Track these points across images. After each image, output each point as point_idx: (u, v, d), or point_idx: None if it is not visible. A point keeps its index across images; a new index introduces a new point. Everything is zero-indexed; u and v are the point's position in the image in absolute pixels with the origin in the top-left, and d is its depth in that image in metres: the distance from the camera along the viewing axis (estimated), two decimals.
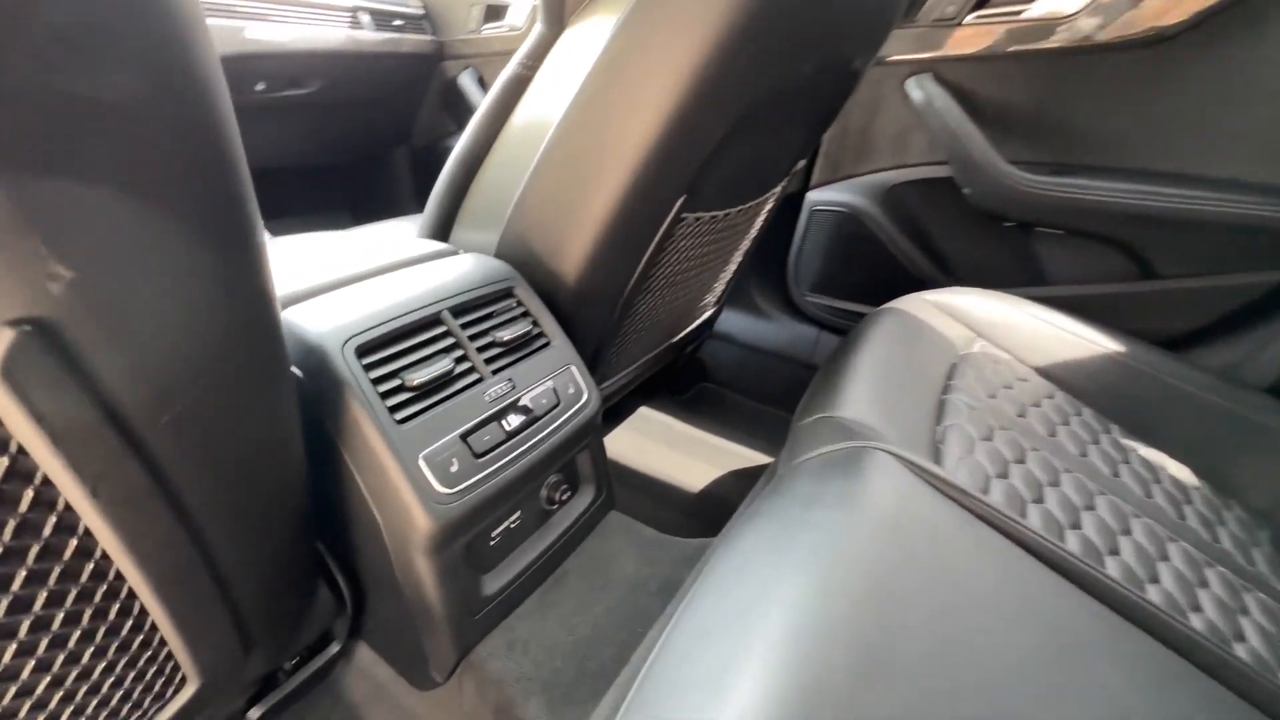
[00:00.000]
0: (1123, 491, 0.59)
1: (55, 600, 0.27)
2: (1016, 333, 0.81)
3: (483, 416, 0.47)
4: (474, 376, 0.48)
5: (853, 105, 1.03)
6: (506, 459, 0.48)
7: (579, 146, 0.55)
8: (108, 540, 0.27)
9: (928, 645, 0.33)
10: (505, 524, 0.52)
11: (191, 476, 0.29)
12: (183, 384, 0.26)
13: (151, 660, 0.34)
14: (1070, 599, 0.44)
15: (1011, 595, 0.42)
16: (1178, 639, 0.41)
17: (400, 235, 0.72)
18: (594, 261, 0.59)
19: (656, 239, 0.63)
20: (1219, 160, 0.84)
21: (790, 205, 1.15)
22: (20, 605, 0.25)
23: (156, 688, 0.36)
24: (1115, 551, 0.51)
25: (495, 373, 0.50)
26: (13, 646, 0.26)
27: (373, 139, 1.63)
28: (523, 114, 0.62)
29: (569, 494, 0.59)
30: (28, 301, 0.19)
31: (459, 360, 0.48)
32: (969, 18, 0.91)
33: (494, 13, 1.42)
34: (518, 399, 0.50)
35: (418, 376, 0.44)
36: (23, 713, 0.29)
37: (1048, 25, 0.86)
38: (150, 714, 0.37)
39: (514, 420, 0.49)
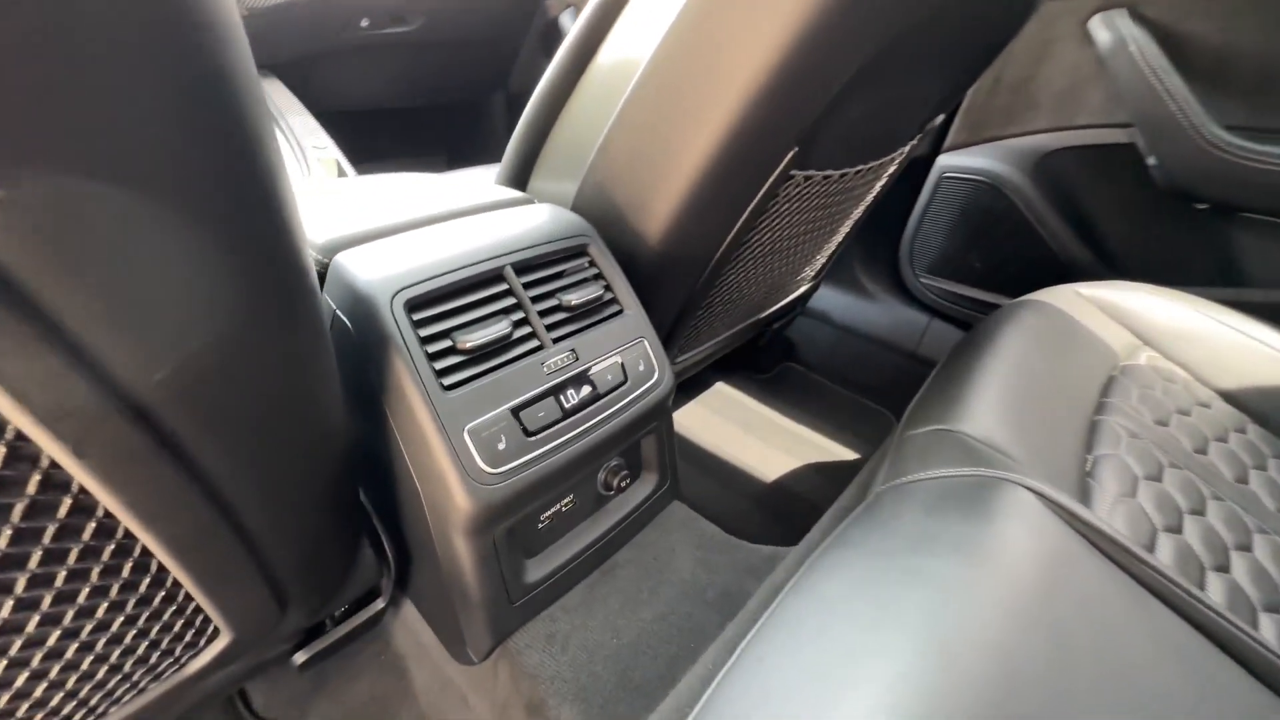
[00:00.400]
0: None
1: (55, 557, 0.25)
2: (1198, 343, 0.65)
3: (539, 390, 0.42)
4: (533, 344, 0.43)
5: (1011, 52, 0.85)
6: (562, 439, 0.43)
7: (673, 85, 0.46)
8: (107, 500, 0.24)
9: None
10: (556, 507, 0.47)
11: (200, 436, 0.25)
12: (171, 339, 0.22)
13: (178, 613, 0.32)
14: (1267, 707, 0.33)
15: (1191, 695, 0.31)
16: None
17: (479, 181, 0.67)
18: (682, 221, 0.51)
19: (758, 198, 0.54)
20: None
21: (915, 170, 0.99)
22: (12, 563, 0.23)
23: (187, 638, 0.35)
24: None
25: (558, 341, 0.44)
26: (8, 602, 0.25)
27: (470, 81, 1.60)
28: (611, 49, 0.54)
29: (629, 480, 0.53)
30: None
31: (518, 324, 0.42)
32: None
33: None
34: (580, 372, 0.45)
35: (471, 339, 0.39)
36: (41, 666, 0.28)
37: None
38: (184, 662, 0.37)
39: (574, 396, 0.44)
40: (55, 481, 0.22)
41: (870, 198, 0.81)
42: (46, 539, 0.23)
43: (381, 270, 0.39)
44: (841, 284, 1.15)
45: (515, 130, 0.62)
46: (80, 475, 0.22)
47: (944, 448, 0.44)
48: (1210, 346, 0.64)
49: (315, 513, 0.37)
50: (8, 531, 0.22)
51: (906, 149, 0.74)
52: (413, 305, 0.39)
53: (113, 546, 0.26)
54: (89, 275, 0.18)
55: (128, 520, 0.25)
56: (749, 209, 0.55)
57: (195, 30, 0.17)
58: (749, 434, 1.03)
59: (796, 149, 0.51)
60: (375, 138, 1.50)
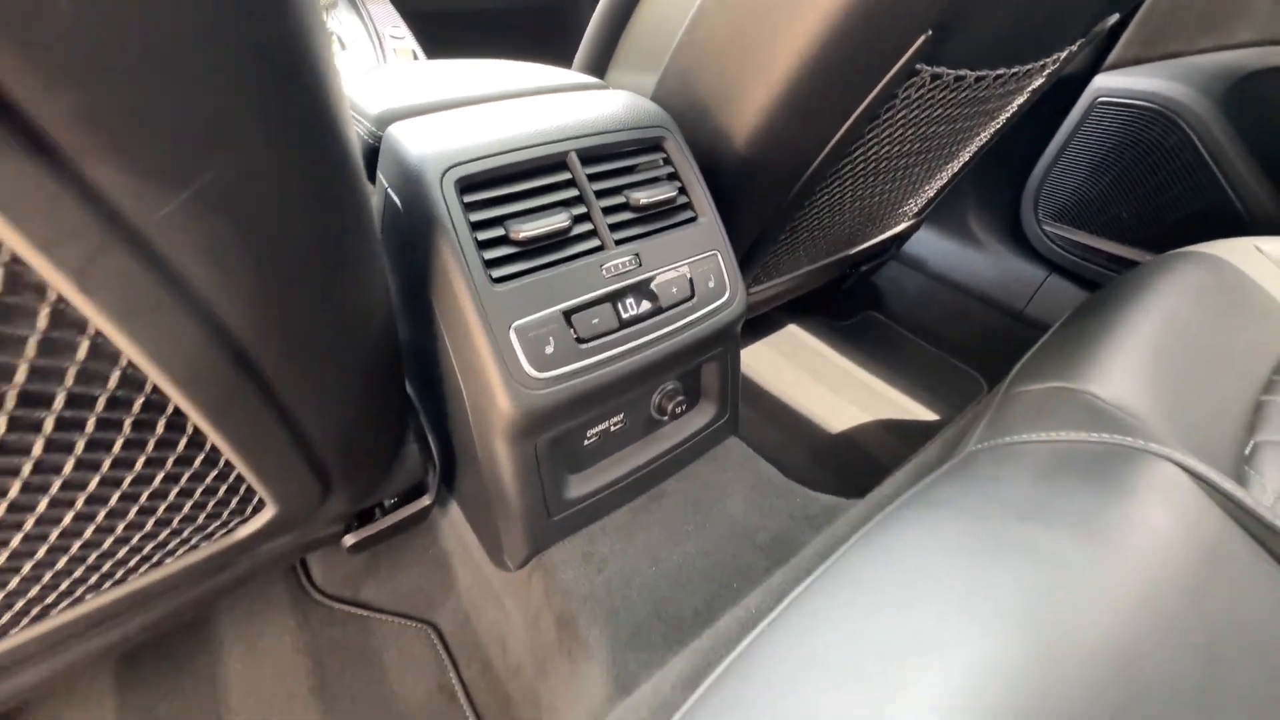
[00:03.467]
0: None
1: (81, 402, 0.24)
2: None
3: (596, 294, 0.38)
4: (594, 242, 0.39)
5: None
6: (616, 350, 0.39)
7: None
8: (126, 347, 0.22)
9: None
10: (604, 425, 0.44)
11: (250, 318, 0.23)
12: (180, 167, 0.19)
13: (221, 479, 0.33)
14: None
15: None
16: None
17: (554, 69, 0.62)
18: (776, 120, 0.44)
19: (870, 98, 0.45)
20: None
21: (1062, 92, 0.83)
22: (34, 400, 0.23)
23: (233, 505, 0.35)
24: None
25: (620, 243, 0.39)
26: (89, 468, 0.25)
27: None
28: None
29: (685, 407, 0.49)
30: None
31: (579, 219, 0.38)
32: None
33: None
34: (643, 280, 0.40)
35: (526, 229, 0.36)
36: (100, 520, 0.29)
37: None
38: (233, 527, 0.37)
39: (633, 306, 0.39)
40: (68, 319, 0.21)
41: (1004, 119, 0.68)
42: (69, 380, 0.23)
43: (434, 145, 0.35)
44: (945, 226, 1.02)
45: (594, 15, 0.55)
46: (91, 314, 0.21)
47: (1064, 408, 0.37)
48: None
49: (355, 395, 0.36)
50: (24, 366, 0.21)
51: (1063, 55, 0.61)
52: (465, 185, 0.35)
53: (142, 400, 0.25)
54: (97, 84, 0.15)
55: (153, 374, 0.24)
56: (858, 112, 0.46)
57: None
58: (819, 383, 0.96)
59: (929, 34, 0.42)
60: (454, 41, 1.45)
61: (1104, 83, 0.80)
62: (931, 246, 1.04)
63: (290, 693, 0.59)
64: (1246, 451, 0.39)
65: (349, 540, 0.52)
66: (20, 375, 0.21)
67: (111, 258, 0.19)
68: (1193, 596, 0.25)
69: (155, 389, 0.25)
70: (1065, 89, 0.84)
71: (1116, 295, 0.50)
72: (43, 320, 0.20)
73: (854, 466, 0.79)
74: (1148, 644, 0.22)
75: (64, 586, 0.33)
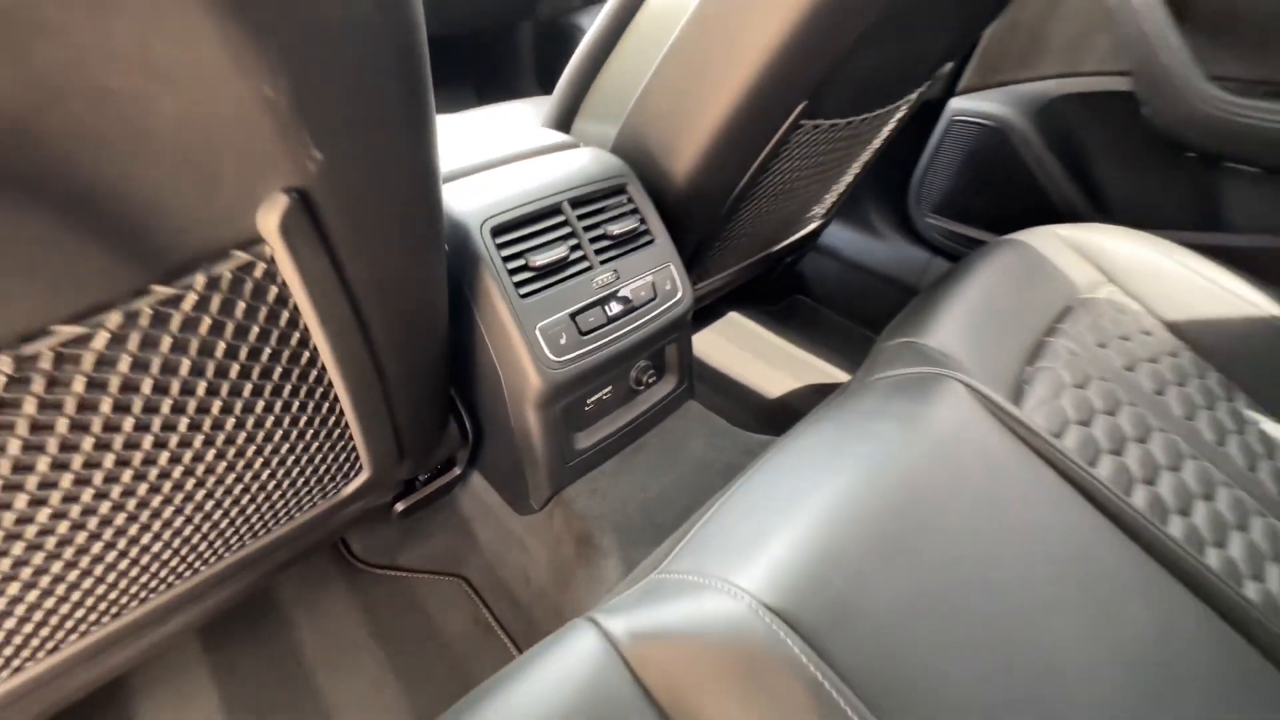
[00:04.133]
0: (1220, 460, 0.57)
1: (296, 390, 0.38)
2: (1157, 281, 0.74)
3: (590, 300, 0.54)
4: (585, 264, 0.55)
5: None
6: (606, 339, 0.55)
7: (703, 45, 0.55)
8: (326, 356, 0.37)
9: (948, 549, 0.38)
10: (599, 395, 0.61)
11: (378, 318, 0.38)
12: (377, 245, 0.34)
13: (344, 445, 0.47)
14: (1115, 546, 0.46)
15: (1050, 527, 0.44)
16: (1221, 596, 0.43)
17: (525, 122, 0.77)
18: (705, 163, 0.61)
19: (770, 145, 0.63)
20: None
21: (928, 113, 1.05)
22: (274, 390, 0.37)
23: (345, 465, 0.49)
24: (1186, 513, 0.51)
25: (603, 262, 0.56)
26: (270, 417, 0.38)
27: (498, 6, 1.62)
28: (650, 11, 0.62)
29: (655, 378, 0.66)
30: (296, 176, 0.26)
31: (573, 248, 0.54)
32: None
33: None
34: (620, 289, 0.57)
35: (539, 258, 0.51)
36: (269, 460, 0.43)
37: None
38: (340, 485, 0.51)
39: (615, 307, 0.56)
40: (305, 339, 0.35)
41: (879, 141, 0.89)
42: (284, 359, 0.36)
43: (473, 203, 0.50)
44: (852, 222, 1.23)
45: (563, 76, 0.71)
46: (318, 336, 0.35)
47: (907, 354, 0.56)
48: (1168, 284, 0.74)
49: (425, 384, 0.51)
50: (268, 349, 0.35)
51: (915, 95, 0.81)
52: (496, 231, 0.50)
53: (307, 356, 0.39)
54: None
55: (333, 371, 0.38)
56: (764, 153, 0.64)
57: None
58: (757, 358, 1.15)
59: (806, 102, 0.60)
60: None
61: (956, 105, 1.02)
62: (842, 238, 1.25)
63: (351, 639, 0.73)
64: (1024, 378, 0.59)
65: (400, 506, 0.66)
66: (252, 335, 0.34)
67: (337, 303, 0.34)
68: (955, 461, 0.43)
69: (315, 351, 0.39)
70: (931, 109, 1.05)
71: (953, 274, 0.70)
72: (270, 295, 0.34)
73: (784, 417, 0.99)
74: (924, 482, 0.41)
75: (227, 535, 0.46)
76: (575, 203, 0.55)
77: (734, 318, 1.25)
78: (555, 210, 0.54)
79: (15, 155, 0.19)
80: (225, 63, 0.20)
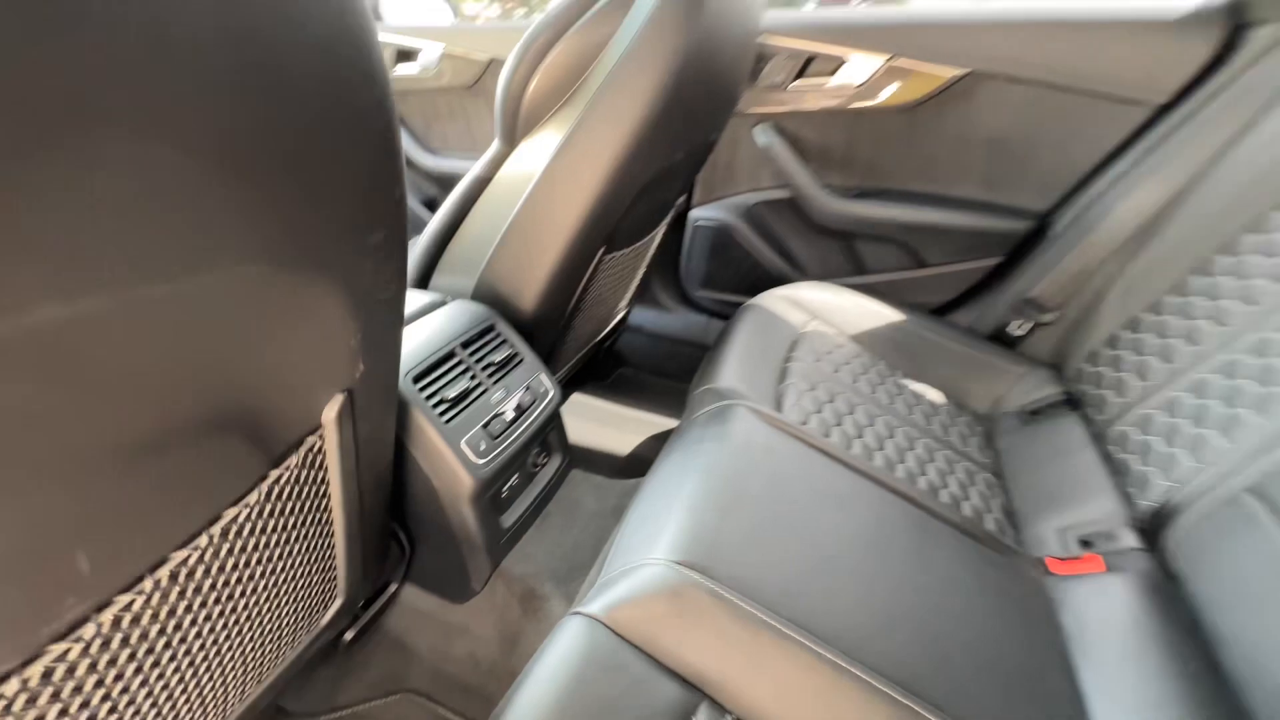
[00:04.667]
0: (896, 413, 0.95)
1: (316, 532, 0.50)
2: (840, 313, 1.16)
3: (492, 413, 0.73)
4: (482, 388, 0.73)
5: (720, 144, 1.34)
6: (510, 439, 0.74)
7: (536, 219, 0.80)
8: (335, 498, 0.50)
9: (770, 502, 0.65)
10: (510, 482, 0.78)
11: (365, 462, 0.53)
12: (375, 411, 0.50)
13: (329, 573, 0.57)
14: (844, 476, 0.78)
15: (811, 480, 0.75)
16: (904, 492, 0.77)
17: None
18: (546, 297, 0.85)
19: (586, 277, 0.90)
20: (958, 185, 1.25)
21: (679, 221, 1.45)
22: (301, 534, 0.48)
23: (326, 593, 0.59)
24: (882, 448, 0.86)
25: (494, 384, 0.75)
26: (294, 559, 0.49)
27: None
28: (486, 200, 0.86)
29: (545, 459, 0.85)
30: (348, 381, 0.43)
31: (471, 379, 0.73)
32: (791, 85, 1.24)
33: (405, 55, 1.57)
34: (510, 400, 0.76)
35: (451, 392, 0.69)
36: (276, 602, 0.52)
37: (843, 92, 1.22)
38: (319, 614, 0.60)
39: (510, 414, 0.75)
40: (328, 493, 0.48)
41: (653, 249, 1.23)
42: (311, 507, 0.49)
43: None
44: (649, 303, 1.58)
45: (420, 243, 0.90)
46: (334, 488, 0.49)
47: (709, 397, 0.85)
48: (846, 314, 1.16)
49: (382, 513, 0.63)
50: (309, 502, 0.47)
51: (670, 216, 1.17)
52: (416, 378, 0.67)
53: (326, 515, 0.51)
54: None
55: (336, 512, 0.51)
56: (582, 283, 0.91)
57: None
58: (606, 425, 1.39)
59: (605, 246, 0.89)
60: None
61: (695, 214, 1.44)
62: (644, 317, 1.59)
63: None
64: (780, 393, 0.92)
65: (349, 635, 0.73)
66: (306, 494, 0.47)
67: (350, 464, 0.49)
68: (752, 458, 0.71)
69: (329, 497, 0.52)
70: (681, 218, 1.46)
71: (725, 331, 1.03)
72: (319, 462, 0.47)
73: (641, 463, 1.23)
74: (735, 475, 0.67)
75: (243, 682, 0.53)
76: (464, 345, 0.74)
77: (577, 398, 1.49)
78: (452, 354, 0.72)
79: (235, 420, 0.34)
80: (344, 345, 0.38)
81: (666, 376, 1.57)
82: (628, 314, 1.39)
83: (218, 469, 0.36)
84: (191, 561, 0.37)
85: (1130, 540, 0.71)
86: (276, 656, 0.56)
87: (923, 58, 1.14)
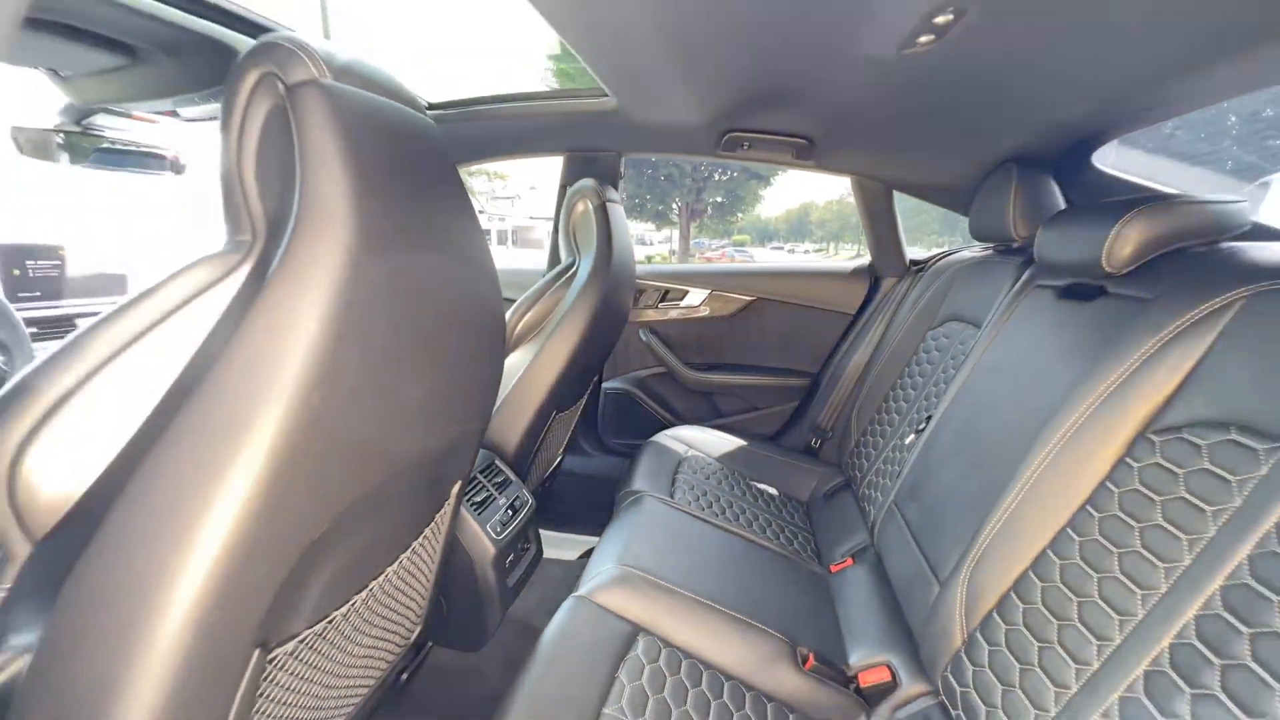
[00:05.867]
0: (747, 500, 1.53)
1: (429, 569, 0.94)
2: (707, 444, 1.78)
3: (501, 511, 1.21)
4: (493, 497, 1.22)
5: (620, 341, 2.04)
6: (511, 526, 1.21)
7: (519, 397, 1.37)
8: (439, 547, 0.96)
9: (668, 539, 1.17)
10: (509, 556, 1.22)
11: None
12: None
13: (421, 609, 0.98)
14: (712, 530, 1.32)
15: (693, 529, 1.28)
16: (751, 538, 1.32)
17: None
18: (520, 445, 1.39)
19: (543, 431, 1.45)
20: (766, 359, 2.01)
21: (595, 391, 2.07)
22: (427, 569, 0.93)
23: (413, 627, 0.98)
24: (738, 519, 1.42)
25: (500, 494, 1.24)
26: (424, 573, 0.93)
27: None
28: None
29: (528, 545, 1.31)
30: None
31: (486, 492, 1.21)
32: (660, 305, 2.00)
33: None
34: (509, 503, 1.25)
35: (478, 497, 1.17)
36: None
37: (689, 310, 1.99)
38: (410, 632, 0.98)
39: (509, 513, 1.23)
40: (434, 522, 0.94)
41: (579, 411, 1.82)
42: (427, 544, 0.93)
43: None
44: (577, 452, 2.12)
45: None
46: (444, 527, 0.96)
47: (628, 497, 1.38)
48: (709, 442, 1.79)
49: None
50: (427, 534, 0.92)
51: (590, 387, 1.78)
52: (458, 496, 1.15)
53: (435, 555, 0.95)
54: None
55: (438, 550, 0.97)
56: (541, 435, 1.46)
57: None
58: (550, 546, 1.82)
59: (555, 409, 1.46)
60: None
61: (606, 385, 2.08)
62: (575, 463, 2.11)
63: None
64: (674, 488, 1.48)
65: (405, 675, 1.08)
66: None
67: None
68: (659, 524, 1.24)
69: (430, 559, 0.96)
70: (598, 388, 2.08)
71: (633, 460, 1.59)
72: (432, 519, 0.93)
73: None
74: (647, 534, 1.20)
75: (373, 663, 0.91)
76: (482, 473, 1.24)
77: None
78: (477, 479, 1.22)
79: (450, 474, 0.85)
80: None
81: (593, 504, 2.06)
82: (562, 460, 1.92)
83: (427, 507, 0.85)
84: (382, 580, 0.83)
85: (868, 543, 1.30)
86: (376, 671, 0.94)
87: (727, 290, 1.96)
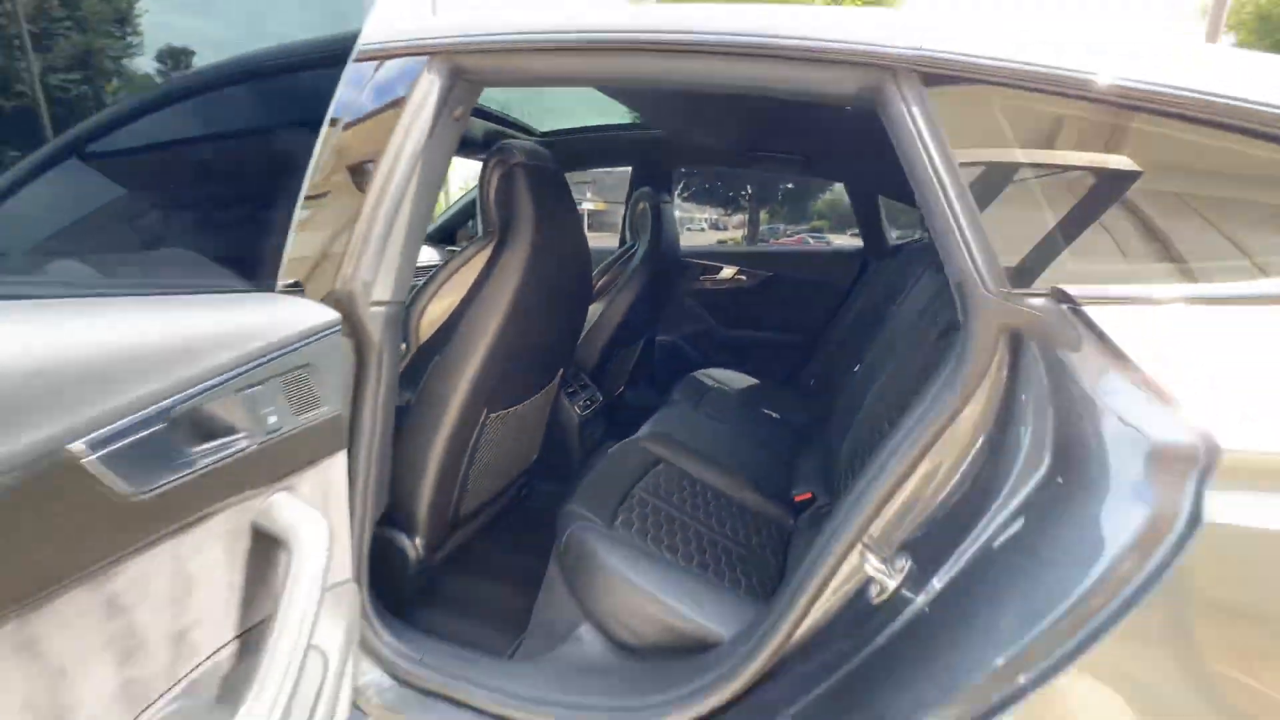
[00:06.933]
0: (751, 422, 2.17)
1: None
2: (729, 380, 2.43)
3: (582, 399, 1.93)
4: (576, 391, 1.94)
5: None
6: (587, 410, 1.93)
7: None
8: None
9: (692, 429, 1.84)
10: (586, 430, 1.94)
11: None
12: None
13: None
14: (724, 427, 1.97)
15: (711, 425, 1.94)
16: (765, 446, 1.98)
17: None
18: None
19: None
20: (779, 322, 2.61)
21: (651, 342, 2.76)
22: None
23: (530, 458, 1.71)
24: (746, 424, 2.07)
25: (582, 391, 1.96)
26: None
27: None
28: None
29: (596, 428, 2.03)
30: None
31: (573, 388, 1.94)
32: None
33: None
34: (587, 397, 1.97)
35: (569, 390, 1.90)
36: None
37: (725, 283, 2.62)
38: (524, 467, 1.72)
39: (587, 402, 1.95)
40: None
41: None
42: None
43: None
44: (635, 386, 2.82)
45: None
46: None
47: (672, 404, 2.05)
48: (733, 379, 2.43)
49: None
50: None
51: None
52: None
53: (540, 409, 1.67)
54: None
55: (545, 405, 1.70)
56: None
57: None
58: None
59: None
60: None
61: (659, 339, 2.77)
62: (630, 396, 2.82)
63: None
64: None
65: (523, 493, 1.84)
66: None
67: None
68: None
69: None
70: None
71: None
72: None
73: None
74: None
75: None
76: (573, 377, 1.96)
77: None
78: (569, 381, 1.94)
79: None
80: None
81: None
82: (624, 389, 2.63)
83: (545, 377, 1.58)
84: (527, 404, 1.56)
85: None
86: (515, 471, 1.69)
87: (753, 267, 2.58)
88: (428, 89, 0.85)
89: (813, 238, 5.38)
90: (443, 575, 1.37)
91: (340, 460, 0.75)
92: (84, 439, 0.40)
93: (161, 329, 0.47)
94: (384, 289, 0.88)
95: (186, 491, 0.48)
